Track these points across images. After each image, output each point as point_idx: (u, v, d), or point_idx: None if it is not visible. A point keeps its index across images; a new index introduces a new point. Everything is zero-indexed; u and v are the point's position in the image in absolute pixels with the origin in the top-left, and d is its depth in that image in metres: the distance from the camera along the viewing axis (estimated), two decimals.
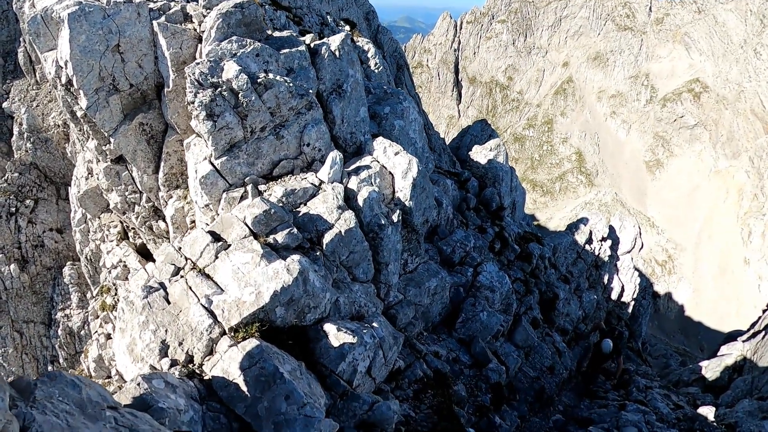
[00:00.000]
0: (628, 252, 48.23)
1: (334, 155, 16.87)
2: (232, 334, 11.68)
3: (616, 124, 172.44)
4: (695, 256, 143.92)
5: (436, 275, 20.73)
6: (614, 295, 46.90)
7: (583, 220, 42.24)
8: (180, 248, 13.96)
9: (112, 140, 17.97)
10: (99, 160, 20.12)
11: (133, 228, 22.92)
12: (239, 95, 15.74)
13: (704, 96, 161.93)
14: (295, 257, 12.96)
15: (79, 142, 21.63)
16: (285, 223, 14.50)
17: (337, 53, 18.61)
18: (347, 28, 52.10)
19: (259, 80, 16.08)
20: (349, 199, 16.59)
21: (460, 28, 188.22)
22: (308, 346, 13.01)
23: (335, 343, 12.89)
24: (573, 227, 41.41)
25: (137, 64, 17.03)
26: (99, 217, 24.04)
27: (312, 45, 18.53)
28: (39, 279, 40.05)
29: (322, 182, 16.69)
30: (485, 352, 21.23)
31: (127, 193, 20.68)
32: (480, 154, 33.31)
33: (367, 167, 17.74)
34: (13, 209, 40.77)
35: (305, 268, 12.82)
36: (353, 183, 16.91)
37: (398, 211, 17.53)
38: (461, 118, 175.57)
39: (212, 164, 16.15)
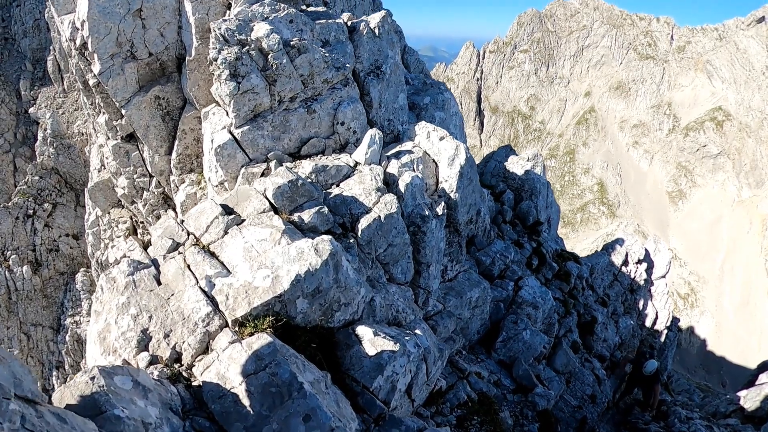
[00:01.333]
0: (663, 277, 45.42)
1: (373, 133, 14.79)
2: (237, 328, 9.25)
3: (639, 154, 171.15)
4: (718, 288, 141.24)
5: (478, 285, 18.35)
6: (648, 322, 44.18)
7: (619, 241, 39.66)
8: (183, 221, 11.92)
9: (123, 112, 16.32)
10: (108, 138, 18.16)
11: (141, 222, 20.69)
12: (269, 56, 13.88)
13: (727, 124, 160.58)
14: (327, 237, 10.52)
15: (91, 118, 19.52)
16: (314, 200, 12.40)
17: (376, 31, 16.69)
18: None
19: (292, 43, 14.27)
20: (388, 185, 14.42)
21: (483, 58, 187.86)
22: (335, 353, 10.51)
23: (371, 352, 10.29)
24: (609, 248, 38.84)
25: (159, 32, 15.63)
26: (109, 212, 22.00)
27: (350, 23, 16.72)
28: (51, 283, 39.91)
29: (357, 163, 14.63)
30: (530, 376, 18.80)
31: (135, 177, 18.76)
32: (516, 164, 30.93)
33: (409, 152, 15.51)
34: (31, 211, 40.87)
35: (338, 250, 10.38)
36: (393, 167, 14.73)
37: (443, 204, 15.32)
38: (483, 147, 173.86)
39: (231, 133, 14.12)
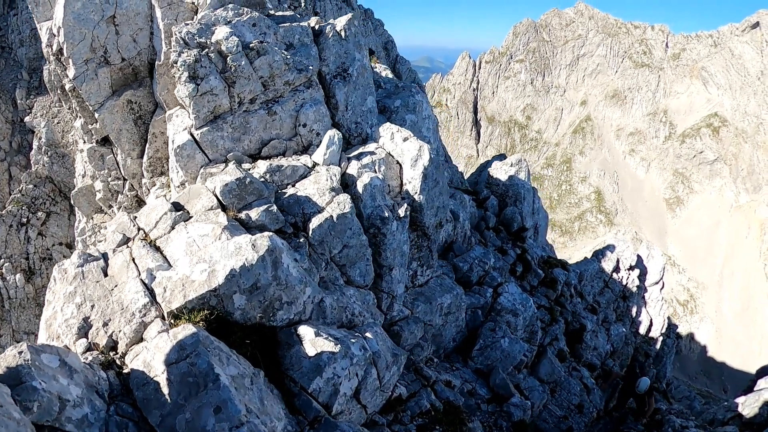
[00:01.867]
0: (656, 283, 44.61)
1: (332, 134, 14.48)
2: (172, 320, 9.22)
3: (635, 161, 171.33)
4: (717, 294, 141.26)
5: (451, 291, 17.68)
6: (642, 330, 43.38)
7: (610, 248, 38.92)
8: (136, 217, 12.00)
9: (97, 116, 16.60)
10: (84, 141, 18.53)
11: None
12: (228, 59, 13.85)
13: (723, 130, 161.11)
14: (267, 233, 10.34)
15: (70, 122, 19.69)
16: (263, 198, 12.16)
17: (343, 33, 16.42)
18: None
19: (251, 46, 14.22)
20: (347, 187, 14.12)
21: (479, 68, 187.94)
22: (276, 352, 10.28)
23: (311, 352, 10.01)
24: (599, 254, 38.10)
25: (131, 38, 16.10)
26: (92, 218, 21.88)
27: (317, 27, 16.54)
28: (44, 292, 39.85)
29: (316, 164, 14.36)
30: (507, 385, 18.09)
31: (110, 180, 18.95)
32: (500, 170, 30.32)
33: (371, 153, 15.16)
34: (25, 220, 40.78)
35: (277, 247, 10.09)
36: (353, 168, 14.39)
37: (405, 205, 14.78)
38: (480, 157, 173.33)
39: (191, 135, 14.02)
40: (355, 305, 12.94)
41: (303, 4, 54.01)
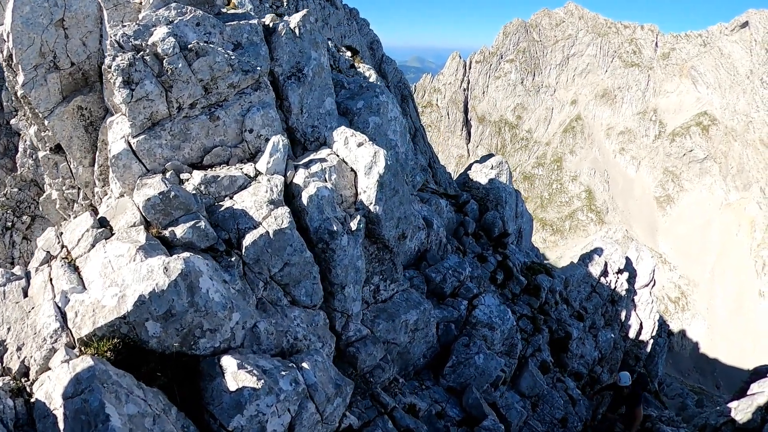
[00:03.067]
0: (646, 285, 43.09)
1: (276, 140, 13.04)
2: (82, 348, 8.51)
3: (626, 160, 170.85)
4: (709, 291, 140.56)
5: (417, 307, 16.10)
6: (632, 333, 41.89)
7: (597, 251, 37.33)
8: (62, 233, 11.32)
9: (47, 123, 15.82)
10: (38, 149, 18.13)
11: None
12: (164, 61, 12.61)
13: (713, 129, 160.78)
14: (185, 255, 9.38)
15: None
16: (191, 213, 10.88)
17: (297, 31, 15.19)
18: (348, 54, 49.83)
19: (190, 46, 12.91)
20: (293, 198, 12.79)
21: (469, 68, 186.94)
22: (198, 384, 9.16)
23: (232, 387, 8.86)
24: (586, 258, 36.51)
25: (81, 42, 15.36)
26: (60, 225, 20.74)
27: (271, 24, 15.38)
28: None
29: (259, 173, 12.95)
30: (479, 405, 16.56)
31: (65, 188, 18.27)
32: (480, 173, 28.69)
33: (321, 160, 13.74)
34: (9, 224, 39.20)
35: (193, 270, 9.10)
36: (299, 177, 13.00)
37: (359, 218, 13.31)
38: (470, 157, 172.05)
39: (128, 143, 12.82)
40: (299, 328, 11.65)
41: (285, 4, 52.59)
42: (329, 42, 51.25)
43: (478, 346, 17.91)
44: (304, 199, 12.38)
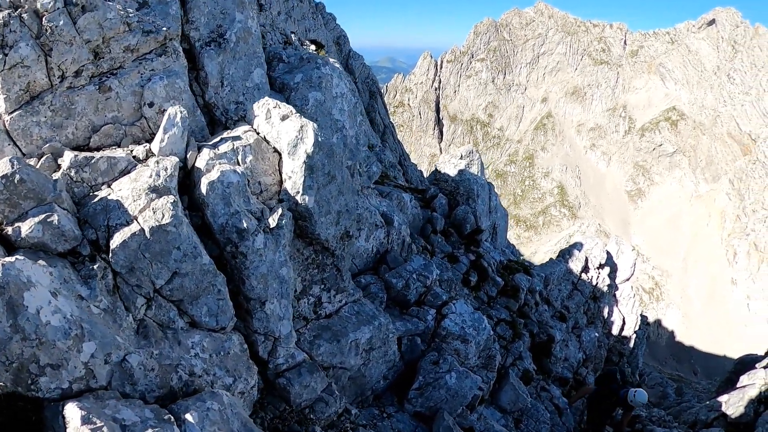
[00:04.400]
0: (627, 280, 40.16)
1: (173, 112, 9.62)
2: None
3: (597, 156, 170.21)
4: (682, 281, 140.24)
5: (371, 322, 12.74)
6: (615, 330, 38.91)
7: (577, 246, 34.23)
8: None
9: None
10: None
11: None
12: (44, 18, 9.37)
13: (681, 123, 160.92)
14: (6, 259, 6.67)
15: None
16: (44, 204, 7.65)
17: None
18: (312, 47, 47.80)
19: (75, 1, 9.64)
20: (194, 187, 9.53)
21: (441, 68, 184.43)
22: None
23: None
24: (566, 254, 33.37)
25: None
26: None
27: None
28: None
29: (151, 155, 9.68)
30: None
31: None
32: (448, 164, 25.32)
33: (234, 138, 10.39)
34: None
35: (15, 282, 6.51)
36: (202, 160, 9.62)
37: (280, 211, 9.99)
38: (443, 155, 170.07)
39: (2, 122, 9.52)
40: (197, 360, 8.53)
41: None
42: (293, 35, 48.53)
43: (449, 363, 14.62)
44: (204, 187, 9.14)
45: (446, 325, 15.56)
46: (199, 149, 9.67)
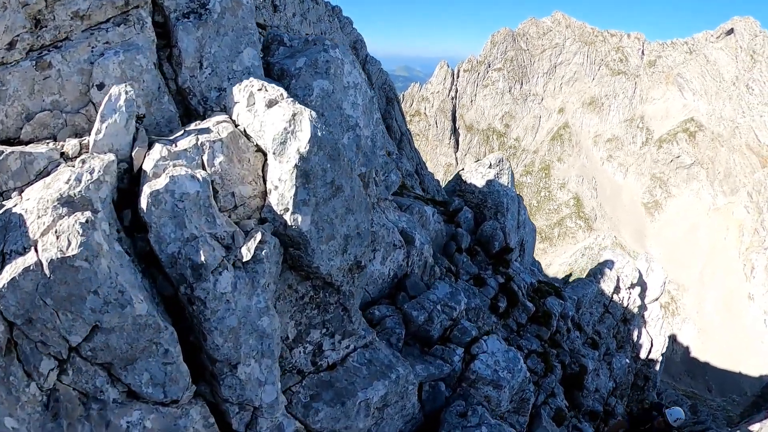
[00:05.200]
0: (656, 300, 37.27)
1: (116, 92, 7.03)
2: None
3: (613, 167, 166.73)
4: (698, 295, 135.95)
5: (386, 375, 9.90)
6: (643, 353, 35.97)
7: (608, 264, 31.30)
8: None
9: None
10: None
11: None
12: None
13: (699, 135, 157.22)
14: None
15: None
16: None
17: None
18: None
19: None
20: (134, 197, 6.98)
21: (457, 77, 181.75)
22: None
23: None
24: (597, 273, 30.43)
25: None
26: None
27: None
28: None
29: (85, 152, 7.08)
30: None
31: None
32: (475, 173, 22.44)
33: (201, 131, 7.65)
34: None
35: None
36: (150, 160, 6.98)
37: (259, 236, 7.30)
38: (459, 165, 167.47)
39: None
40: None
41: None
42: (308, 38, 46.53)
43: (479, 415, 11.85)
44: (144, 200, 6.51)
45: (476, 368, 12.79)
46: (151, 145, 6.96)
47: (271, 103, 7.72)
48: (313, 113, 7.66)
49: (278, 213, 7.72)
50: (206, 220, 6.80)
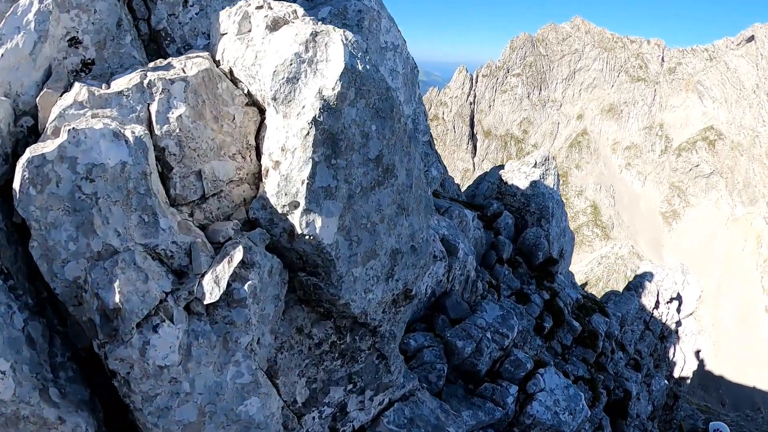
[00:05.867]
0: (691, 314, 34.61)
1: (26, 2, 4.63)
2: None
3: (632, 175, 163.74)
4: (714, 306, 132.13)
5: None
6: (676, 372, 33.35)
7: (647, 276, 28.66)
8: None
9: None
10: None
11: None
12: None
13: (719, 143, 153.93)
14: None
15: None
16: None
17: None
18: None
19: None
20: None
21: (476, 82, 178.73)
22: None
23: None
24: (638, 287, 27.74)
25: None
26: None
27: None
28: None
29: None
30: None
31: None
32: (518, 173, 19.74)
33: (159, 68, 5.05)
34: None
35: None
36: (57, 109, 4.32)
37: (239, 252, 4.60)
38: (476, 170, 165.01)
39: None
40: None
41: None
42: None
43: None
44: (18, 178, 4.00)
45: (534, 411, 10.33)
46: (71, 86, 4.49)
47: (276, 24, 5.14)
48: (349, 34, 5.05)
49: (280, 211, 4.96)
50: (139, 218, 4.20)
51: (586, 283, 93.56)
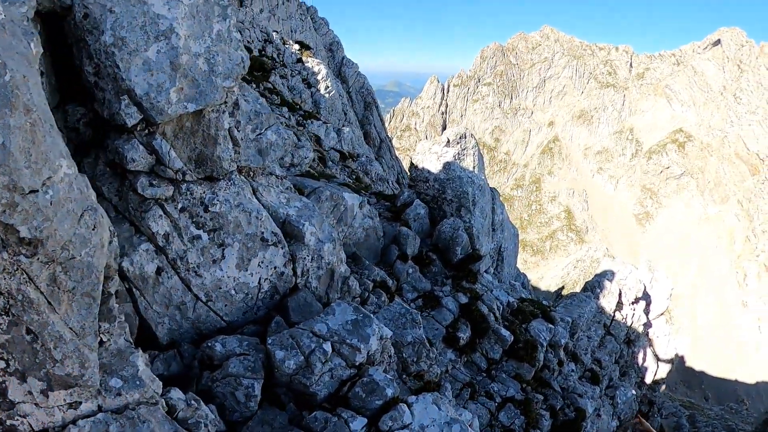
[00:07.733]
0: (662, 314, 31.11)
1: None
2: None
3: (604, 179, 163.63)
4: (691, 304, 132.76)
5: None
6: (648, 377, 29.80)
7: (607, 275, 24.96)
8: None
9: None
10: None
11: None
12: None
13: (688, 145, 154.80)
14: None
15: None
16: None
17: None
18: (296, 47, 41.27)
19: None
20: None
21: (448, 91, 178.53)
22: None
23: None
24: (595, 286, 24.03)
25: None
26: None
27: None
28: None
29: None
30: None
31: None
32: (428, 154, 15.91)
33: None
34: None
35: None
36: None
37: None
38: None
39: None
40: None
41: None
42: (275, 34, 42.28)
43: None
44: None
45: None
46: None
47: None
48: None
49: None
50: None
51: (563, 288, 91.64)
